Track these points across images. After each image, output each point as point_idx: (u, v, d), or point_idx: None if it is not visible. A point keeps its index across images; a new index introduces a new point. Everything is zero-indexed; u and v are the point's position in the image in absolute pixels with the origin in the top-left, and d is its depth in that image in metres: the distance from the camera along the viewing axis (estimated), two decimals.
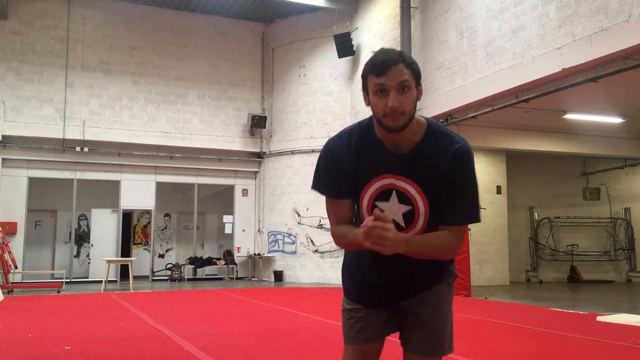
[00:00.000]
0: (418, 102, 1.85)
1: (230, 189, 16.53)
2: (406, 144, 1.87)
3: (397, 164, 1.87)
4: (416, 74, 1.81)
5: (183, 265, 15.70)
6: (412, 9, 11.95)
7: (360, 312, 2.04)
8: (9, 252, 12.29)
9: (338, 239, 1.97)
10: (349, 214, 1.97)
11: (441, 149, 1.86)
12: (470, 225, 12.18)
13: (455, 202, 1.86)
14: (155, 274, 15.70)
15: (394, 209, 1.88)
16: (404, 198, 1.88)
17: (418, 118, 1.89)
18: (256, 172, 16.52)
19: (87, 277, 14.84)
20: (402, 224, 1.90)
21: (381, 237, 1.68)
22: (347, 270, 2.12)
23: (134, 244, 16.97)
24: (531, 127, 12.14)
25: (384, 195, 1.90)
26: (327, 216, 2.00)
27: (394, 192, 1.88)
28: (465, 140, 1.92)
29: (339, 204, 1.96)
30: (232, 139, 16.04)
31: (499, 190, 14.27)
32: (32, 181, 14.33)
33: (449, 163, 1.85)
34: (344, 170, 1.90)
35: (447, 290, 2.06)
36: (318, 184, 1.97)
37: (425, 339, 2.00)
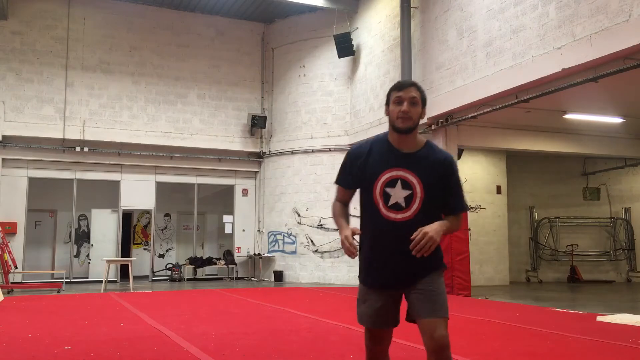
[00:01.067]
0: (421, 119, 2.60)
1: (230, 189, 16.53)
2: (410, 148, 2.62)
3: (402, 160, 2.60)
4: (423, 98, 2.62)
5: (183, 265, 15.70)
6: (412, 9, 11.95)
7: (371, 295, 2.66)
8: (9, 252, 12.30)
9: (332, 210, 2.82)
10: (347, 199, 2.82)
11: (438, 157, 2.64)
12: (470, 225, 12.10)
13: (457, 197, 2.66)
14: (155, 274, 15.70)
15: (398, 192, 2.58)
16: (406, 185, 2.58)
17: (420, 136, 2.66)
18: (256, 172, 16.53)
19: (87, 277, 14.84)
20: (404, 204, 2.58)
21: (426, 242, 2.45)
22: (364, 261, 2.70)
23: (134, 244, 16.97)
24: (531, 127, 12.14)
25: (391, 183, 2.59)
26: (335, 195, 2.82)
27: (399, 181, 2.58)
28: (446, 151, 2.72)
29: (345, 191, 2.80)
30: (232, 139, 16.04)
31: (499, 190, 14.27)
32: (32, 181, 14.33)
33: (445, 168, 2.62)
34: (357, 166, 2.66)
35: (440, 275, 2.64)
36: (337, 178, 2.79)
37: (434, 304, 2.54)
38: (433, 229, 2.46)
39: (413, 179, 2.57)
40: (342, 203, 2.79)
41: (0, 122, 13.72)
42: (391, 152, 2.63)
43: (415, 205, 2.56)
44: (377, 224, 2.60)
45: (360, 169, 2.65)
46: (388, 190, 2.57)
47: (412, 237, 2.45)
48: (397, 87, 2.63)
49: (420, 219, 2.55)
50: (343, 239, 2.56)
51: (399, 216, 2.57)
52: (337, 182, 2.79)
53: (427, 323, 2.50)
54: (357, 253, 2.59)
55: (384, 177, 2.59)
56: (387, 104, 2.67)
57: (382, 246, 2.61)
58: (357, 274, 2.77)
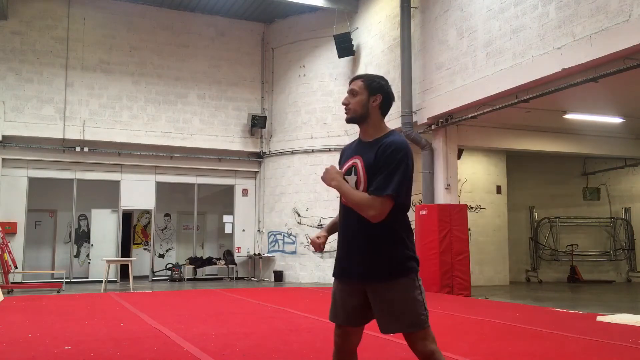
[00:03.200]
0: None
1: (230, 189, 16.53)
2: (369, 137, 2.66)
3: (358, 148, 2.68)
4: (368, 85, 2.64)
5: (183, 265, 15.70)
6: (412, 9, 11.94)
7: (336, 287, 2.68)
8: (9, 252, 12.29)
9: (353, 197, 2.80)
10: None
11: (384, 141, 2.57)
12: (470, 225, 12.06)
13: (380, 177, 2.48)
14: (155, 274, 15.70)
15: (350, 179, 2.61)
16: (355, 171, 2.61)
17: (386, 126, 2.69)
18: (256, 172, 16.52)
19: (87, 277, 14.84)
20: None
21: (324, 172, 2.59)
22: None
23: (134, 244, 16.97)
24: (531, 127, 12.14)
25: (348, 171, 2.64)
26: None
27: (353, 168, 2.63)
28: (401, 139, 2.60)
29: None
30: (232, 139, 16.04)
31: (499, 190, 14.27)
32: (32, 181, 14.33)
33: (383, 148, 2.53)
34: (342, 157, 2.79)
35: (404, 282, 2.51)
36: None
37: (395, 319, 2.48)
38: (337, 175, 2.57)
39: (359, 165, 2.60)
40: None
41: (0, 122, 13.72)
42: (357, 143, 2.73)
43: (360, 190, 2.56)
44: (340, 212, 2.70)
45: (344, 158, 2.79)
46: (347, 178, 2.61)
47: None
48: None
49: None
50: (313, 238, 2.76)
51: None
52: None
53: (405, 336, 2.51)
54: (321, 249, 2.73)
55: (345, 166, 2.68)
56: None
57: (341, 234, 2.68)
58: None
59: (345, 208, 2.61)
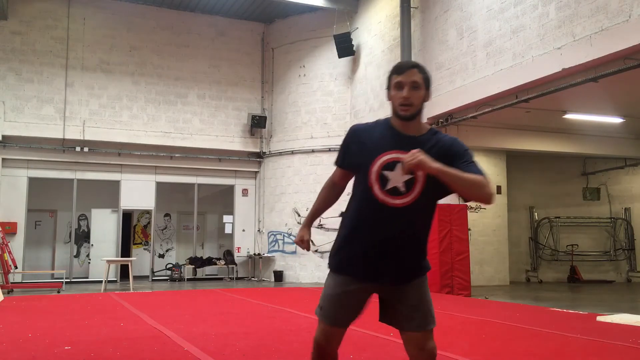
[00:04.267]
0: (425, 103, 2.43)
1: (230, 189, 16.53)
2: (414, 131, 2.40)
3: (404, 142, 2.35)
4: (426, 79, 2.40)
5: (183, 265, 15.70)
6: (412, 9, 11.94)
7: (349, 287, 2.43)
8: (9, 252, 12.29)
9: (323, 188, 2.67)
10: (339, 182, 2.64)
11: (445, 140, 2.39)
12: (470, 225, 12.06)
13: (467, 168, 2.29)
14: (155, 274, 15.70)
15: (397, 176, 2.34)
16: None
17: (425, 123, 2.48)
18: (256, 172, 16.52)
19: (87, 277, 14.84)
20: (403, 189, 2.35)
21: (414, 157, 2.18)
22: (348, 247, 2.46)
23: (134, 244, 16.97)
24: (531, 127, 12.14)
25: (389, 166, 2.35)
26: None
27: (399, 164, 2.32)
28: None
29: (340, 171, 2.60)
30: (232, 139, 16.04)
31: (499, 190, 14.26)
32: (32, 181, 14.33)
33: (456, 147, 2.36)
34: (356, 142, 2.45)
35: (426, 279, 2.51)
36: (336, 157, 2.58)
37: (423, 317, 2.41)
38: (429, 159, 2.20)
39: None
40: (331, 186, 2.64)
41: (0, 122, 13.72)
42: (393, 134, 2.40)
43: (415, 191, 2.34)
44: (370, 209, 2.37)
45: (358, 146, 2.44)
46: (386, 173, 2.34)
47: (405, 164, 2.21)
48: (396, 70, 2.40)
49: (420, 205, 2.36)
50: (298, 240, 2.63)
51: (398, 201, 2.34)
52: (335, 161, 2.59)
53: (415, 335, 2.40)
54: (310, 250, 2.72)
55: (383, 159, 2.35)
56: (388, 88, 2.44)
57: (374, 232, 2.37)
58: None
59: (389, 208, 2.34)
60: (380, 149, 2.37)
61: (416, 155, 2.18)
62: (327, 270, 2.55)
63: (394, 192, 2.34)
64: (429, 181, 2.32)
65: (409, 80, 2.35)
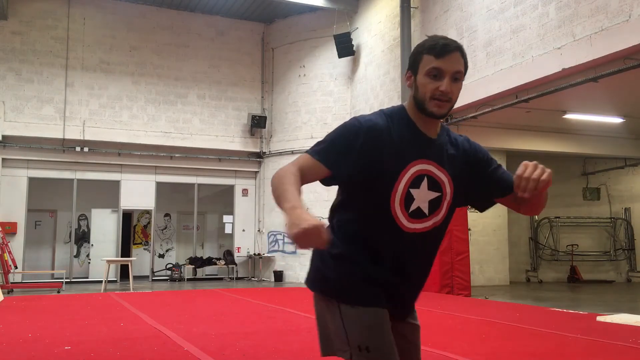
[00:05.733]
0: None
1: (230, 189, 16.53)
2: (433, 132, 1.86)
3: (430, 149, 1.83)
4: (466, 67, 1.83)
5: (183, 265, 15.70)
6: (412, 9, 11.95)
7: (386, 321, 1.81)
8: (9, 252, 12.29)
9: (278, 179, 1.82)
10: (309, 179, 1.86)
11: (463, 144, 1.93)
12: (470, 225, 12.06)
13: (503, 172, 1.92)
14: (155, 274, 15.69)
15: (422, 195, 1.81)
16: (434, 184, 1.83)
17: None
18: (256, 172, 16.52)
19: (87, 277, 14.84)
20: (426, 211, 1.82)
21: (544, 171, 1.64)
22: (377, 279, 1.83)
23: (134, 244, 16.97)
24: (531, 127, 12.13)
25: (415, 182, 1.80)
26: (299, 163, 1.82)
27: (425, 179, 1.81)
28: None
29: (319, 169, 1.80)
30: (232, 139, 16.04)
31: None
32: (32, 181, 14.32)
33: (481, 153, 1.93)
34: (367, 148, 1.74)
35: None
36: (318, 149, 1.79)
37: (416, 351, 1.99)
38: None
39: (443, 177, 1.85)
40: (298, 176, 1.82)
41: (0, 122, 13.72)
42: (416, 136, 1.82)
43: (442, 211, 1.86)
44: (389, 234, 1.81)
45: (373, 152, 1.74)
46: (412, 191, 1.79)
47: (519, 174, 1.66)
48: (433, 50, 1.75)
49: (442, 229, 1.89)
50: (311, 228, 1.60)
51: (419, 226, 1.82)
52: (318, 155, 1.78)
53: None
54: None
55: (409, 174, 1.78)
56: (414, 69, 1.80)
57: (395, 265, 1.83)
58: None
59: (409, 234, 1.82)
60: (406, 158, 1.79)
61: (545, 168, 1.66)
62: None
63: (417, 214, 1.81)
64: (453, 199, 1.89)
65: (451, 69, 1.75)
